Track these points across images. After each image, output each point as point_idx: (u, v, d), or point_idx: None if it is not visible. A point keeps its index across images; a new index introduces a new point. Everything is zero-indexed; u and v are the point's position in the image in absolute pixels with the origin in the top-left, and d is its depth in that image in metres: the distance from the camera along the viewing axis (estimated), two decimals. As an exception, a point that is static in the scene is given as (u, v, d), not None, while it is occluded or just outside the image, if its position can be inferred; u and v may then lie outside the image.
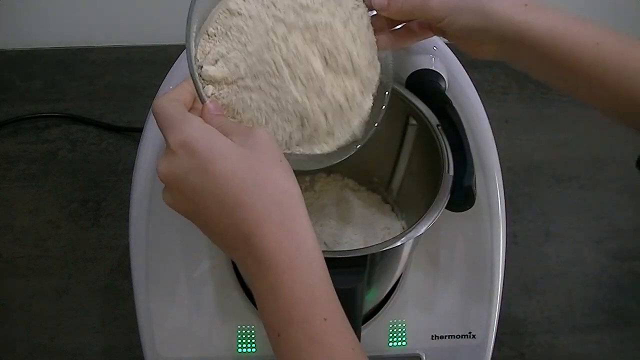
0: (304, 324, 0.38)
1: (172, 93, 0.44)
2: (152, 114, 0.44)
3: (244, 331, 0.65)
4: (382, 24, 0.52)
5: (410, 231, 0.51)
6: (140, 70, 1.09)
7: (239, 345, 0.65)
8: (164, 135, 0.41)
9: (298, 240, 0.39)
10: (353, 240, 0.63)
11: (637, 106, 0.46)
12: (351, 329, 0.39)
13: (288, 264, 0.38)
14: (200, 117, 0.42)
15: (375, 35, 0.51)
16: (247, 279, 0.40)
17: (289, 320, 0.38)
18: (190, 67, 0.44)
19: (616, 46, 0.47)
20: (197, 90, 0.44)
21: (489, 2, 0.47)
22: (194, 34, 0.45)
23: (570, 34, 0.47)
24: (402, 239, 0.51)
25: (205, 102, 0.44)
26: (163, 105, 0.42)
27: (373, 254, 0.51)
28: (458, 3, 0.48)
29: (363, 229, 0.64)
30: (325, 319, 0.38)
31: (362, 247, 0.60)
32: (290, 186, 0.40)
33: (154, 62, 1.08)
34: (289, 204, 0.39)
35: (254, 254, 0.38)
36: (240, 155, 0.39)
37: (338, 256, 0.50)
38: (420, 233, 0.51)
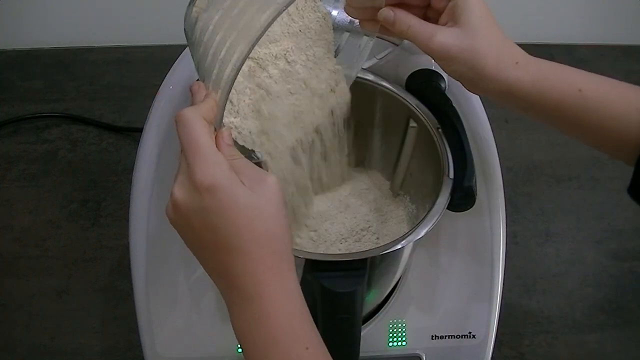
0: (288, 350, 0.42)
1: (202, 108, 0.44)
2: (175, 122, 0.43)
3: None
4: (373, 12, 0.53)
5: (410, 234, 0.51)
6: (140, 70, 1.09)
7: (239, 345, 0.65)
8: (187, 160, 0.42)
9: (283, 281, 0.43)
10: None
11: (618, 143, 0.50)
12: (331, 358, 0.43)
13: (274, 299, 0.42)
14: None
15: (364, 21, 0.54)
16: (228, 304, 0.44)
17: (274, 345, 0.42)
18: (221, 97, 0.44)
19: (598, 91, 0.49)
20: (218, 114, 0.45)
21: (483, 57, 0.49)
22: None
23: (555, 85, 0.50)
24: (402, 242, 0.51)
25: (221, 130, 0.45)
26: (195, 128, 0.42)
27: (373, 257, 0.51)
28: (456, 52, 0.50)
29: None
30: (307, 348, 0.42)
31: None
32: (287, 237, 0.43)
33: (154, 62, 1.08)
34: (283, 252, 0.43)
35: (242, 289, 0.42)
36: (253, 208, 0.42)
37: (338, 259, 0.50)
38: (420, 236, 0.51)
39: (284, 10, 0.42)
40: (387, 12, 0.52)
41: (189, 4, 0.48)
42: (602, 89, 0.49)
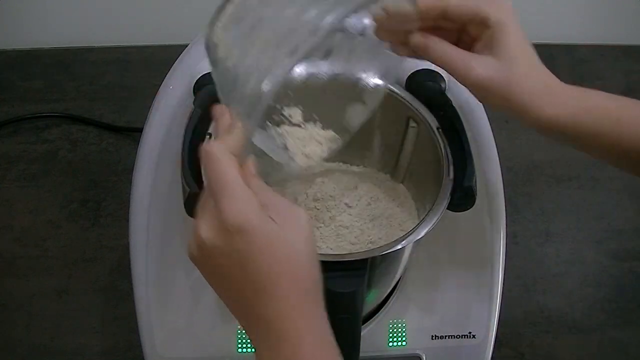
0: None
1: (229, 143, 0.41)
2: (200, 158, 0.41)
3: (244, 331, 0.65)
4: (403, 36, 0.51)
5: (410, 234, 0.51)
6: (140, 70, 1.09)
7: (239, 345, 0.65)
8: (215, 197, 0.40)
9: (314, 320, 0.41)
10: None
11: None
12: None
13: (305, 340, 0.40)
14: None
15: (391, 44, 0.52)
16: (255, 344, 0.42)
17: None
18: (249, 129, 0.43)
19: (633, 117, 0.49)
20: (245, 145, 0.43)
21: (519, 91, 0.48)
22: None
23: (592, 118, 0.49)
24: (403, 242, 0.51)
25: (248, 163, 0.43)
26: (222, 164, 0.40)
27: (373, 258, 0.51)
28: (491, 85, 0.48)
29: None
30: None
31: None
32: (317, 274, 0.41)
33: (154, 62, 1.08)
34: (313, 291, 0.41)
35: (271, 330, 0.40)
36: (284, 247, 0.40)
37: (339, 260, 0.50)
38: (421, 237, 0.51)
39: (318, 44, 0.40)
40: (418, 39, 0.49)
41: (211, 21, 0.47)
42: (637, 113, 0.49)
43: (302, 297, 0.40)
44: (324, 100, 0.56)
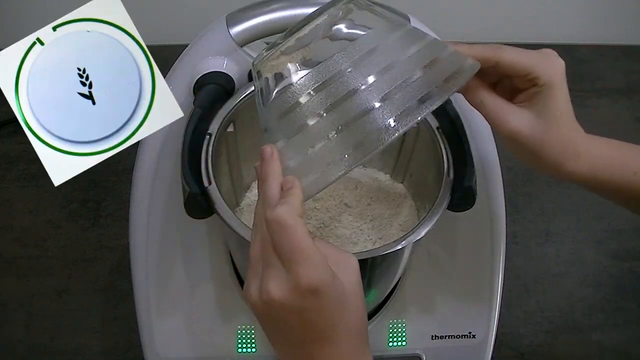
0: None
1: (296, 207, 0.41)
2: (268, 224, 0.41)
3: (244, 331, 0.65)
4: None
5: (410, 235, 0.51)
6: (140, 70, 1.08)
7: (239, 345, 0.65)
8: (287, 261, 0.40)
9: (365, 357, 0.43)
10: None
11: None
12: None
13: None
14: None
15: None
16: None
17: None
18: (310, 193, 0.43)
19: None
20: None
21: (548, 149, 0.48)
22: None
23: (613, 173, 0.51)
24: (402, 243, 0.51)
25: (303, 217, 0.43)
26: (297, 231, 0.40)
27: (373, 258, 0.51)
28: (523, 139, 0.48)
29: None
30: None
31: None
32: (365, 314, 0.44)
33: (154, 62, 1.08)
34: (364, 331, 0.44)
35: None
36: (346, 297, 0.41)
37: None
38: (420, 237, 0.51)
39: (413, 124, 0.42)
40: None
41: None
42: None
43: (358, 340, 0.43)
44: None
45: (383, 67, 0.43)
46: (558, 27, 1.14)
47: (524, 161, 0.51)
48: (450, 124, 0.57)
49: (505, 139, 0.50)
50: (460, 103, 0.61)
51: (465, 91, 0.50)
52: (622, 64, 1.12)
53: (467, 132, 0.56)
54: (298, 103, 0.44)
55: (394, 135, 0.41)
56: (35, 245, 0.86)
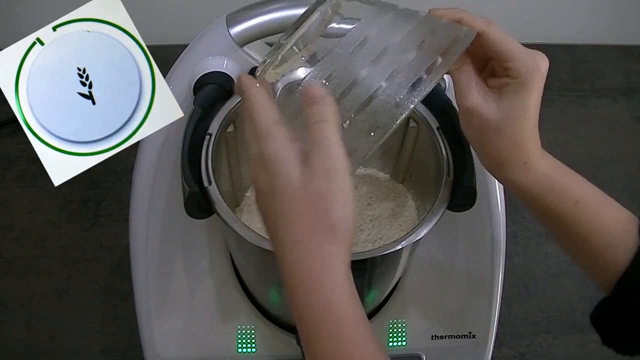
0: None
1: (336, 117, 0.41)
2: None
3: (244, 331, 0.65)
4: None
5: (410, 235, 0.51)
6: (140, 70, 1.08)
7: (239, 345, 0.65)
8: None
9: (326, 295, 0.39)
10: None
11: (601, 263, 0.50)
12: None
13: (314, 320, 0.39)
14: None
15: None
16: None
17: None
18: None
19: (593, 206, 0.49)
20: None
21: (499, 145, 0.47)
22: None
23: (554, 194, 0.49)
24: (402, 243, 0.51)
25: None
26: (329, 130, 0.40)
27: (373, 258, 0.51)
28: (479, 124, 0.48)
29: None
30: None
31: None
32: (338, 214, 0.40)
33: (154, 62, 1.08)
34: (324, 226, 0.40)
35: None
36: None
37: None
38: (420, 237, 0.51)
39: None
40: None
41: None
42: (597, 204, 0.49)
43: (320, 225, 0.40)
44: None
45: (382, 50, 0.44)
46: (558, 27, 1.13)
47: (472, 144, 0.50)
48: (450, 124, 0.57)
49: (461, 113, 0.49)
50: (460, 103, 0.61)
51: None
52: (622, 64, 1.12)
53: (467, 132, 0.56)
54: None
55: (407, 110, 0.42)
56: (35, 245, 0.86)
